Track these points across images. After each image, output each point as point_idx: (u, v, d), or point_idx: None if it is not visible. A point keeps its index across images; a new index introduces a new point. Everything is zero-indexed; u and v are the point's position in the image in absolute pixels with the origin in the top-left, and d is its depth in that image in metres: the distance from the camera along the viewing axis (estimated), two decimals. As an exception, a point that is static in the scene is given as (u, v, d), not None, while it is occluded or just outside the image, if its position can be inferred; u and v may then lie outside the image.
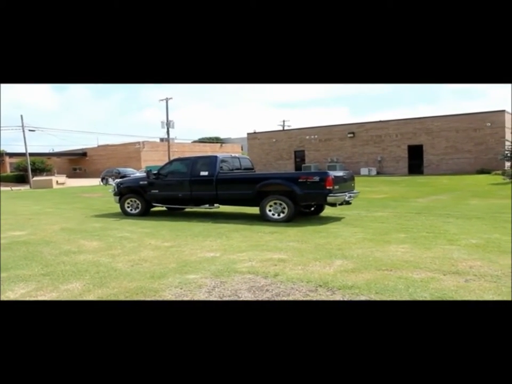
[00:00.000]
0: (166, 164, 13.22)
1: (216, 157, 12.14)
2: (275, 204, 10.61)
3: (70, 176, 50.58)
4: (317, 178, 10.30)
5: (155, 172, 12.78)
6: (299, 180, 10.43)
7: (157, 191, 12.42)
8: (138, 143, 58.23)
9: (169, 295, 4.83)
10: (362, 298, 4.54)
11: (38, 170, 51.74)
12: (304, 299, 4.60)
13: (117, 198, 13.20)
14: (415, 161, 34.17)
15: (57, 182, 36.18)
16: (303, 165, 36.61)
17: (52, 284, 5.32)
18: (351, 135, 37.01)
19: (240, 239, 8.16)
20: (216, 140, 75.03)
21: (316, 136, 39.13)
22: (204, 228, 9.82)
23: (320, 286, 5.00)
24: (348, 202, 10.91)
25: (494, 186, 20.73)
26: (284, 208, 10.47)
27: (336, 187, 10.30)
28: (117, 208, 15.00)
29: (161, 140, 58.87)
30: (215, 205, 11.74)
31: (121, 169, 44.34)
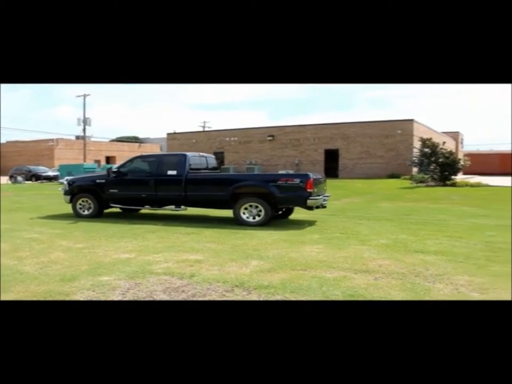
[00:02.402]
0: (127, 161, 11.96)
1: (185, 155, 11.29)
2: (250, 206, 10.04)
3: (-26, 173, 47.29)
4: (297, 181, 9.94)
5: (115, 169, 11.58)
6: (278, 182, 10.05)
7: (116, 190, 11.36)
8: (52, 140, 55.28)
9: (81, 297, 4.65)
10: (278, 297, 4.62)
11: None
12: (303, 299, 4.59)
13: (68, 197, 11.94)
14: (331, 165, 35.19)
15: (-41, 179, 33.66)
16: (222, 167, 36.48)
17: (-51, 289, 4.93)
18: (271, 138, 37.51)
19: (156, 240, 8.02)
20: (134, 139, 73.20)
21: (236, 138, 39.29)
22: (119, 228, 9.54)
23: (237, 286, 5.03)
24: (323, 206, 10.61)
25: (403, 190, 21.91)
26: (260, 211, 9.93)
27: (315, 190, 10.08)
28: (27, 207, 14.25)
29: (77, 137, 56.40)
30: (182, 206, 11.01)
31: (32, 167, 42.19)
